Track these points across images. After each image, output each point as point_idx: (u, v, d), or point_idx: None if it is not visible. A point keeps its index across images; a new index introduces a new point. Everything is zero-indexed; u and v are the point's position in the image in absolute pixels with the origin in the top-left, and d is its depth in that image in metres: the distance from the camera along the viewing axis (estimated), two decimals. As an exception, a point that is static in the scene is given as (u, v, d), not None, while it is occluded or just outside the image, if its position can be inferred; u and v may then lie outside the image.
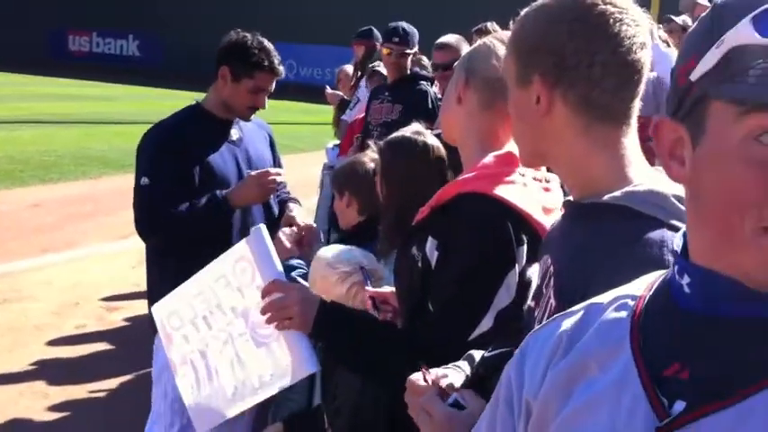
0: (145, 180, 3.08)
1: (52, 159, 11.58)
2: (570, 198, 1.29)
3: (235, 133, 3.24)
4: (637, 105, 1.26)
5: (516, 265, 1.71)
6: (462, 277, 1.71)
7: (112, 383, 4.87)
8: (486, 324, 1.69)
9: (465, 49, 4.53)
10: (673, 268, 0.87)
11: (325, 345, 1.88)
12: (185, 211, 3.04)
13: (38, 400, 4.59)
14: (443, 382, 1.35)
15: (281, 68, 3.20)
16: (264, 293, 1.90)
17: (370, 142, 2.92)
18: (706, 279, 0.81)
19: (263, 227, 2.13)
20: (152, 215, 3.10)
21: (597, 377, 0.85)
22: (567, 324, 0.92)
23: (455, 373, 1.43)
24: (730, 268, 0.79)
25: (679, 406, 0.79)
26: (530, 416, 0.92)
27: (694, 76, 0.80)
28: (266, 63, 3.11)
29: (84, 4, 28.26)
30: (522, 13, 1.31)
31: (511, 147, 1.81)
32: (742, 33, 0.76)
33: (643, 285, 0.90)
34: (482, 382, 1.41)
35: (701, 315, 0.82)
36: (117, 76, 24.33)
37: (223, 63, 3.15)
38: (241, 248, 2.11)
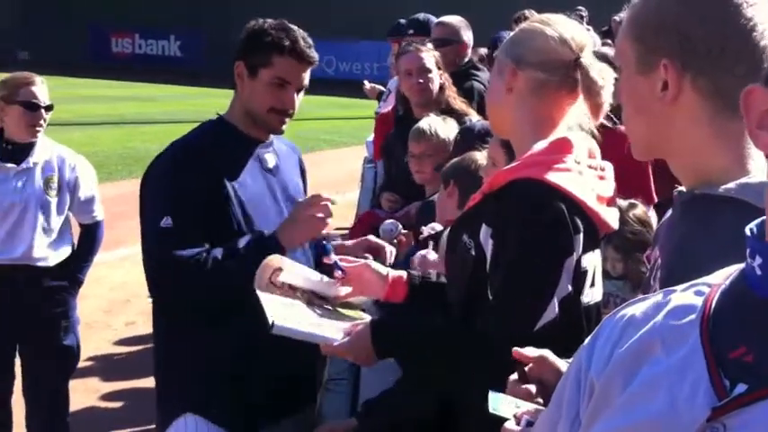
0: (167, 221, 2.25)
1: (100, 160, 11.75)
2: (682, 188, 1.24)
3: (271, 159, 2.50)
4: None
5: (574, 253, 1.67)
6: (522, 264, 1.67)
7: (163, 379, 4.92)
8: (550, 313, 1.65)
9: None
10: (746, 251, 0.84)
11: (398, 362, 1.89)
12: (229, 264, 2.25)
13: (90, 396, 4.67)
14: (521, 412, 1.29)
15: (312, 53, 2.39)
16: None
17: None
18: None
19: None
20: (181, 273, 2.30)
21: (661, 358, 0.84)
22: (641, 307, 0.92)
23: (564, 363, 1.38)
24: None
25: (740, 388, 0.77)
26: (592, 395, 0.91)
27: None
28: (286, 43, 2.35)
29: (126, 6, 28.70)
30: None
31: (565, 132, 1.77)
32: None
33: (720, 275, 0.89)
34: None
35: None
36: (159, 76, 24.64)
37: (238, 58, 2.43)
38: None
